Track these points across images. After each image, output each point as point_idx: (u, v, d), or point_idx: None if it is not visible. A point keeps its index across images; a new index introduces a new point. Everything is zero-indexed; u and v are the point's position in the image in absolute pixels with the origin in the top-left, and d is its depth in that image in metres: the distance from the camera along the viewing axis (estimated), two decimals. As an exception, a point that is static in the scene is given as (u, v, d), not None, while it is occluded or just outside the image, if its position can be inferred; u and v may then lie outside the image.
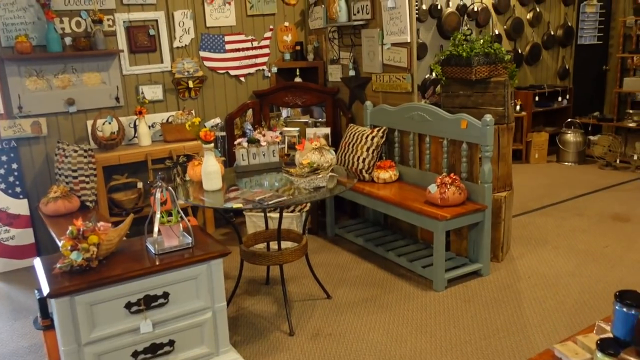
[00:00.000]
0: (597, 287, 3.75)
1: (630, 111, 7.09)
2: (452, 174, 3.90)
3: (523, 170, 6.83)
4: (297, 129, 5.32)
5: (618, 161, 6.76)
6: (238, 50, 5.29)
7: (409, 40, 4.34)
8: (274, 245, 3.78)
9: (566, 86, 7.73)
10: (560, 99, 7.55)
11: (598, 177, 6.50)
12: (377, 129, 4.54)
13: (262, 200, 3.02)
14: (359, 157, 4.51)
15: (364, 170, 4.50)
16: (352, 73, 5.05)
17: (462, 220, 3.77)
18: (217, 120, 5.28)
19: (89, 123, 4.62)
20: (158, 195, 2.69)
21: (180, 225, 2.77)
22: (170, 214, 2.76)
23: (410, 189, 4.29)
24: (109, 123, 4.64)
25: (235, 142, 3.75)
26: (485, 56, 3.97)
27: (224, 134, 5.28)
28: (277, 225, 3.46)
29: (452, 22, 6.51)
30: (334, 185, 3.38)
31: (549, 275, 3.95)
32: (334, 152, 3.59)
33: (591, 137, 7.25)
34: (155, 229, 2.69)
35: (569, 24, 7.72)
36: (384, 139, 4.53)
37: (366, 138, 4.53)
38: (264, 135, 3.71)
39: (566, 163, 7.16)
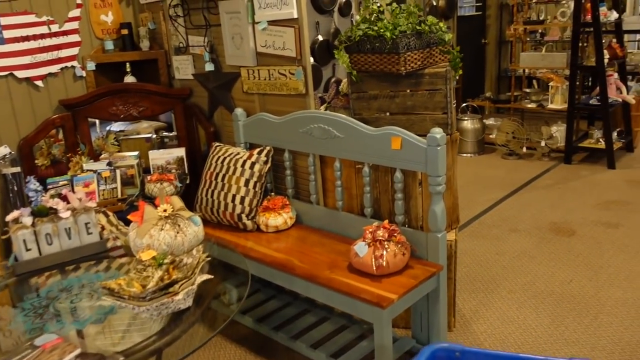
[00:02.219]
0: (594, 355, 2.66)
1: (528, 90, 6.32)
2: (386, 222, 2.53)
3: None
4: (136, 153, 3.61)
5: (525, 149, 5.93)
6: (26, 38, 3.41)
7: (295, 16, 2.86)
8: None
9: (453, 65, 6.78)
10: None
11: (506, 171, 5.61)
12: (259, 150, 3.04)
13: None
14: (234, 196, 2.98)
15: (243, 216, 2.99)
16: (209, 67, 3.45)
17: (413, 295, 2.42)
18: (5, 149, 3.38)
19: None
20: None
21: None
22: None
23: (318, 241, 2.86)
24: None
25: (8, 218, 1.99)
26: (417, 36, 2.63)
27: (17, 170, 3.40)
28: None
29: (329, -9, 5.11)
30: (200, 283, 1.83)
31: (525, 344, 2.78)
32: (199, 220, 2.03)
33: (485, 122, 6.40)
34: None
35: (450, -8, 6.74)
36: (269, 165, 3.04)
37: (243, 166, 3.01)
38: (64, 199, 2.01)
39: (465, 155, 6.22)
